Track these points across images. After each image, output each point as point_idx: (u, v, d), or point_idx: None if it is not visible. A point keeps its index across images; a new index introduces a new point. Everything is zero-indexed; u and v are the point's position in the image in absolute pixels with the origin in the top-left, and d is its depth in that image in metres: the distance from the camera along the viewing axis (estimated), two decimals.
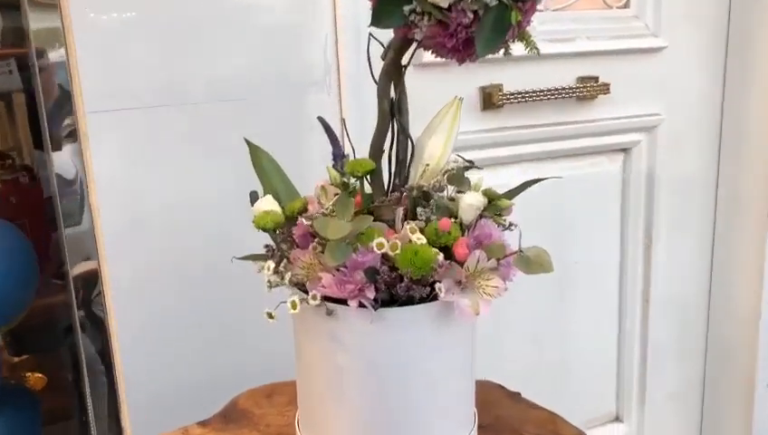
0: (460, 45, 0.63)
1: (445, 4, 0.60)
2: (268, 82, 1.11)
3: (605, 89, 1.46)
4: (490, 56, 1.36)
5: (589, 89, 1.45)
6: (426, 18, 0.62)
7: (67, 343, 1.68)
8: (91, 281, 1.12)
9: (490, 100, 1.39)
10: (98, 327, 1.18)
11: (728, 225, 1.64)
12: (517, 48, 1.35)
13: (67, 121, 1.03)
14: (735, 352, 1.68)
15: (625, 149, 1.56)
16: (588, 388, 1.64)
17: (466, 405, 0.77)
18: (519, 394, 0.92)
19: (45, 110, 1.12)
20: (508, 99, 1.39)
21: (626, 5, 1.49)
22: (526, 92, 1.40)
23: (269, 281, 0.69)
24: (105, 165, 1.05)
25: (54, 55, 1.06)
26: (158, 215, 1.09)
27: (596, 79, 1.46)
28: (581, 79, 1.46)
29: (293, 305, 0.68)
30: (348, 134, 0.75)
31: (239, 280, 0.98)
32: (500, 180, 1.50)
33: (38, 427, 1.56)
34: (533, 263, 0.67)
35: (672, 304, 1.67)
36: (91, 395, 1.15)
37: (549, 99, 1.42)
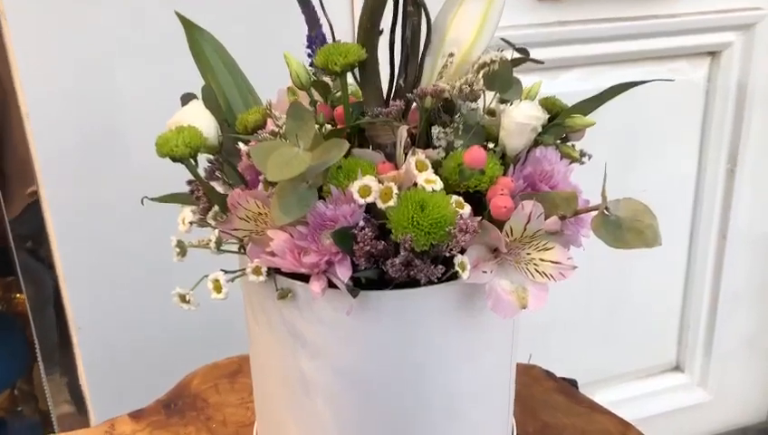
0: None
1: None
2: None
3: None
4: None
5: None
6: None
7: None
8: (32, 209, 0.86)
9: None
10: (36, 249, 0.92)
11: None
12: None
13: None
14: None
15: (712, 53, 1.20)
16: (647, 332, 1.36)
17: (499, 422, 0.49)
18: (575, 385, 0.63)
19: None
20: None
21: None
22: None
23: (178, 245, 0.41)
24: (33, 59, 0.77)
25: None
26: (103, 126, 0.81)
27: None
28: None
29: (216, 287, 0.40)
30: (323, 6, 0.44)
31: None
32: (557, 89, 1.17)
33: (25, 350, 1.36)
34: (628, 229, 0.37)
35: (754, 243, 1.35)
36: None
37: None
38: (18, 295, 1.34)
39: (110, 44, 0.80)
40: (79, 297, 0.87)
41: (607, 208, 0.37)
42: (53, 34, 0.77)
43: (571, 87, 1.14)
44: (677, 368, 1.42)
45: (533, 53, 1.06)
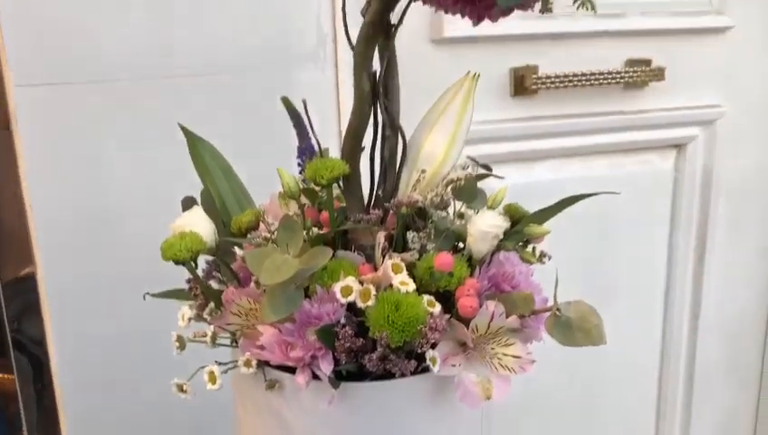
0: None
1: None
2: (246, 54, 0.86)
3: (658, 74, 1.18)
4: (523, 32, 1.09)
5: (639, 74, 1.17)
6: None
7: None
8: (26, 284, 0.90)
9: (522, 84, 1.13)
10: (31, 329, 0.95)
11: None
12: (557, 23, 1.07)
13: None
14: None
15: (678, 146, 1.28)
16: (623, 414, 1.39)
17: None
18: None
19: None
20: (544, 83, 1.12)
21: None
22: (565, 76, 1.13)
23: (178, 339, 0.45)
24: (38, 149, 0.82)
25: None
26: (105, 213, 0.86)
27: (648, 62, 1.19)
28: (631, 62, 1.19)
29: (211, 378, 0.44)
30: (310, 120, 0.51)
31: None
32: (531, 179, 1.24)
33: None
34: (576, 329, 0.42)
35: (725, 323, 1.40)
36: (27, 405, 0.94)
37: (592, 85, 1.15)
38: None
39: (111, 140, 0.86)
40: (69, 376, 0.90)
41: (558, 310, 0.42)
42: (59, 133, 0.83)
43: (545, 177, 1.21)
44: None
45: (509, 147, 1.13)
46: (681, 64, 1.22)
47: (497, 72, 1.13)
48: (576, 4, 0.43)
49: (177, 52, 0.83)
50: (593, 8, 0.43)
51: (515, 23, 1.08)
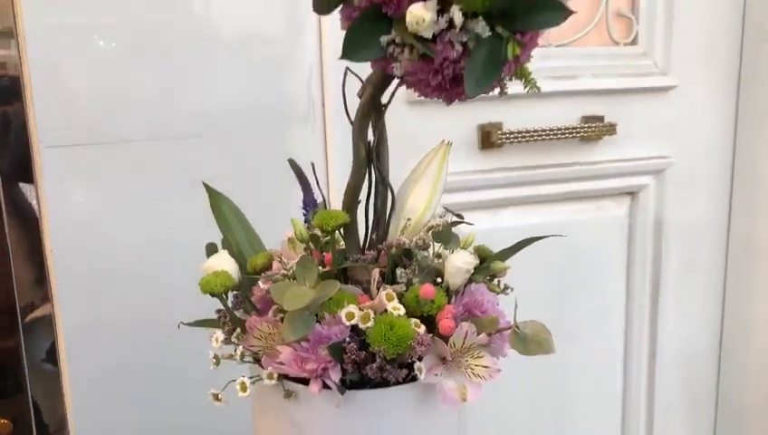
0: (447, 83, 0.53)
1: (428, 35, 0.50)
2: (245, 117, 1.00)
3: (611, 129, 1.35)
4: (489, 93, 1.24)
5: (593, 129, 1.34)
6: (406, 51, 0.51)
7: (10, 388, 1.55)
8: (43, 325, 1.00)
9: (489, 139, 1.28)
10: (51, 375, 1.06)
11: (740, 274, 1.52)
12: (518, 85, 1.23)
13: (14, 152, 0.92)
14: (748, 414, 1.54)
15: (632, 193, 1.44)
16: None
17: None
18: None
19: None
20: (508, 138, 1.28)
21: (634, 42, 1.38)
22: (527, 132, 1.29)
23: (215, 357, 0.57)
24: (61, 203, 0.94)
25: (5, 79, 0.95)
26: (119, 260, 0.97)
27: (601, 119, 1.35)
28: (586, 118, 1.35)
29: (242, 387, 0.56)
30: (317, 180, 0.64)
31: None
32: (499, 224, 1.39)
33: None
34: (531, 341, 0.55)
35: (681, 360, 1.54)
36: None
37: (551, 139, 1.31)
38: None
39: (123, 193, 0.98)
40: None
41: (517, 327, 0.55)
42: (80, 187, 0.95)
43: (511, 222, 1.35)
44: None
45: (478, 195, 1.27)
46: (631, 120, 1.39)
47: (466, 128, 1.28)
48: (525, 88, 0.58)
49: (184, 116, 0.96)
50: (539, 89, 0.57)
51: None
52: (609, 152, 1.39)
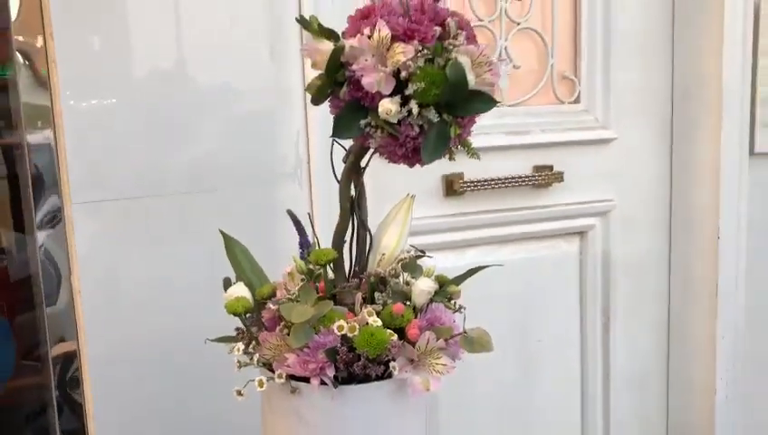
0: (409, 153, 0.75)
1: (394, 120, 0.72)
2: (244, 174, 1.21)
3: (559, 177, 1.59)
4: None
5: (544, 177, 1.57)
6: (379, 131, 0.73)
7: (38, 424, 1.72)
8: (69, 361, 1.19)
9: (452, 187, 1.51)
10: (73, 407, 1.24)
11: (682, 303, 1.75)
12: (477, 139, 1.49)
13: (48, 207, 1.13)
14: (695, 429, 1.76)
15: (581, 233, 1.67)
16: None
17: None
18: None
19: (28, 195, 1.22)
20: (468, 186, 1.51)
21: (576, 100, 1.63)
22: (485, 180, 1.52)
23: (238, 362, 0.77)
24: (85, 250, 1.14)
25: (41, 144, 1.16)
26: (135, 299, 1.17)
27: (550, 168, 1.59)
28: (537, 168, 1.59)
29: (260, 384, 0.76)
30: (313, 226, 0.85)
31: (213, 362, 1.06)
32: (464, 262, 1.60)
33: None
34: (476, 343, 0.76)
35: (632, 381, 1.75)
36: None
37: (507, 186, 1.54)
38: None
39: (140, 238, 1.18)
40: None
41: (466, 333, 0.76)
42: (104, 236, 1.15)
43: (475, 260, 1.57)
44: None
45: (444, 237, 1.50)
46: (578, 168, 1.63)
47: (432, 178, 1.51)
48: (468, 155, 0.80)
49: (192, 175, 1.18)
50: (478, 157, 0.79)
51: None
52: (559, 197, 1.62)
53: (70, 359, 1.20)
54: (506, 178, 1.54)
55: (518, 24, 1.55)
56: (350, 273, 0.84)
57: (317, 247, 0.85)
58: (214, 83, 1.19)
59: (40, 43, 1.14)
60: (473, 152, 0.79)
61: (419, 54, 0.71)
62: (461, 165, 1.51)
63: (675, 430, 1.80)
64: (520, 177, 1.55)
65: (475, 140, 1.53)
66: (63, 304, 1.18)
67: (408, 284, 0.83)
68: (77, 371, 1.18)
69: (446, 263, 1.50)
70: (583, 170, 1.64)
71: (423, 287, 0.81)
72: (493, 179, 1.53)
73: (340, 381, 0.76)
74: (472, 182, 1.51)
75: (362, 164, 0.82)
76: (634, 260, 1.72)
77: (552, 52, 1.59)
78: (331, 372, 0.75)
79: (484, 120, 1.57)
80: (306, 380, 0.76)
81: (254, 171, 1.22)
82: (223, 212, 1.19)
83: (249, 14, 1.19)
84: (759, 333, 1.75)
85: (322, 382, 0.76)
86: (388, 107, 0.71)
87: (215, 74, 1.20)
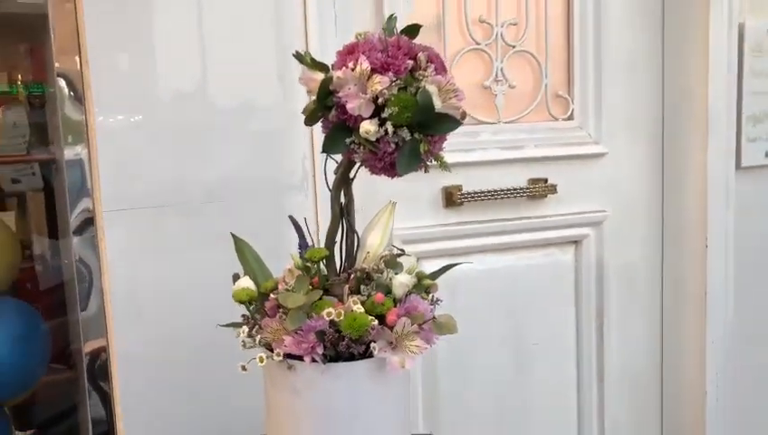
0: (387, 166, 0.91)
1: (373, 138, 0.88)
2: (257, 186, 1.39)
3: (553, 189, 1.74)
4: (450, 161, 1.65)
5: (538, 189, 1.73)
6: (361, 147, 0.90)
7: (68, 421, 1.92)
8: (99, 358, 1.37)
9: (451, 198, 1.67)
10: (103, 398, 1.42)
11: (673, 308, 1.88)
12: (475, 154, 1.67)
13: (80, 216, 1.31)
14: (687, 430, 1.88)
15: (575, 242, 1.82)
16: None
17: None
18: None
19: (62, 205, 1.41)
20: (467, 197, 1.67)
21: (570, 117, 1.79)
22: (482, 192, 1.68)
23: (243, 342, 0.94)
24: (112, 255, 1.32)
25: (74, 158, 1.35)
26: (159, 298, 1.35)
27: (545, 180, 1.75)
28: (532, 180, 1.74)
29: (261, 360, 0.93)
30: (309, 229, 1.02)
31: (229, 353, 1.22)
32: (463, 268, 1.75)
33: None
34: (444, 326, 0.92)
35: (626, 383, 1.89)
36: None
37: (503, 198, 1.70)
38: None
39: (166, 243, 1.36)
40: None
41: (435, 318, 0.92)
42: (135, 242, 1.33)
43: (473, 267, 1.73)
44: None
45: (443, 244, 1.67)
46: (571, 181, 1.78)
47: (433, 190, 1.67)
48: (441, 168, 0.96)
49: (210, 186, 1.35)
50: (449, 169, 0.95)
51: (445, 155, 1.63)
52: (554, 208, 1.77)
53: (99, 353, 1.38)
54: (502, 190, 1.70)
55: (513, 46, 1.71)
56: (340, 268, 1.00)
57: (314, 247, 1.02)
58: (231, 105, 1.38)
59: (76, 66, 1.33)
60: (444, 165, 0.95)
61: (393, 84, 0.87)
62: (460, 177, 1.68)
63: (668, 432, 1.93)
64: (515, 189, 1.71)
65: (473, 155, 1.70)
66: (95, 304, 1.36)
67: (389, 278, 1.00)
68: (106, 363, 1.36)
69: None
70: (577, 183, 1.79)
71: (402, 281, 0.97)
72: (490, 191, 1.69)
73: (328, 359, 0.92)
74: (470, 194, 1.67)
75: (351, 175, 0.98)
76: (626, 267, 1.86)
77: (546, 72, 1.75)
78: (320, 351, 0.91)
79: (481, 136, 1.75)
80: (300, 358, 0.93)
81: (266, 184, 1.40)
82: (237, 220, 1.37)
83: (261, 45, 1.38)
84: (748, 338, 1.88)
85: (313, 360, 0.92)
86: (368, 128, 0.87)
87: (231, 97, 1.38)
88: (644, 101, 1.83)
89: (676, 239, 1.86)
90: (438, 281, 1.51)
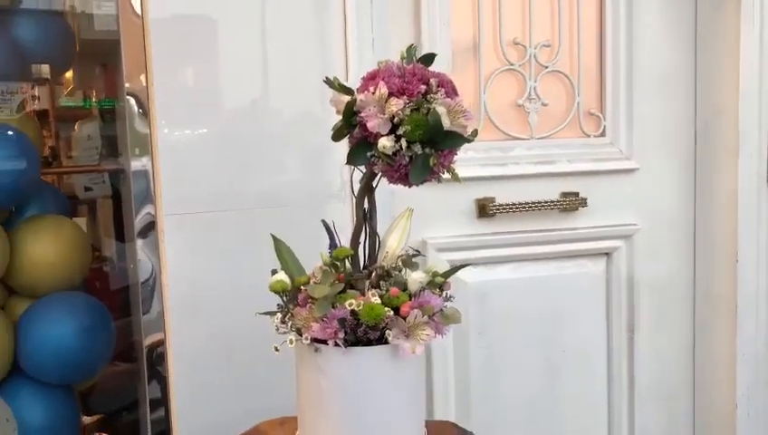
0: (402, 177, 1.08)
1: (390, 153, 1.05)
2: (302, 194, 1.58)
3: (584, 202, 1.87)
4: (484, 174, 1.81)
5: (570, 202, 1.86)
6: (380, 160, 1.07)
7: (132, 408, 2.14)
8: (157, 352, 1.57)
9: (484, 210, 1.82)
10: (162, 387, 1.62)
11: (705, 321, 1.98)
12: (508, 168, 1.83)
13: (143, 219, 1.52)
14: None
15: (606, 253, 1.95)
16: None
17: (416, 420, 1.16)
18: (472, 433, 1.29)
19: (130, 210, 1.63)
20: (499, 209, 1.82)
21: (602, 134, 1.92)
22: (515, 204, 1.83)
23: (276, 327, 1.12)
24: (172, 256, 1.52)
25: (141, 169, 1.57)
26: (213, 297, 1.54)
27: (576, 194, 1.88)
28: (564, 194, 1.88)
29: (291, 342, 1.11)
30: (336, 232, 1.20)
31: (269, 348, 1.40)
32: (496, 277, 1.90)
33: None
34: (450, 317, 1.08)
35: (657, 394, 1.99)
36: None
37: (535, 210, 1.84)
38: None
39: (218, 243, 1.55)
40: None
41: (442, 310, 1.08)
42: (189, 243, 1.53)
43: (506, 275, 1.87)
44: None
45: (477, 253, 1.84)
46: (603, 195, 1.91)
47: (466, 201, 1.83)
48: (453, 180, 1.12)
49: (259, 193, 1.55)
50: (459, 180, 1.11)
51: (479, 169, 1.79)
52: (585, 220, 1.90)
53: (157, 346, 1.59)
54: (534, 203, 1.84)
55: (546, 67, 1.86)
56: (364, 265, 1.17)
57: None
58: (281, 120, 1.57)
59: (143, 84, 1.54)
60: (455, 176, 1.11)
61: (407, 105, 1.04)
62: (493, 190, 1.83)
63: None
64: (548, 202, 1.85)
65: (506, 169, 1.85)
66: (156, 302, 1.56)
67: (405, 275, 1.16)
68: (163, 354, 1.56)
69: (478, 277, 1.82)
70: (608, 197, 1.92)
71: (416, 277, 1.13)
72: (522, 203, 1.83)
73: (349, 343, 1.09)
74: (503, 206, 1.82)
75: (373, 184, 1.15)
76: (658, 279, 1.97)
77: (579, 90, 1.89)
78: (341, 336, 1.08)
79: (514, 151, 1.90)
80: (325, 342, 1.10)
81: (310, 191, 1.59)
82: (284, 225, 1.54)
83: (309, 66, 1.57)
84: None
85: (336, 344, 1.09)
86: (385, 143, 1.05)
87: (282, 114, 1.58)
88: (676, 118, 1.95)
89: (708, 253, 1.96)
90: (472, 287, 1.71)
